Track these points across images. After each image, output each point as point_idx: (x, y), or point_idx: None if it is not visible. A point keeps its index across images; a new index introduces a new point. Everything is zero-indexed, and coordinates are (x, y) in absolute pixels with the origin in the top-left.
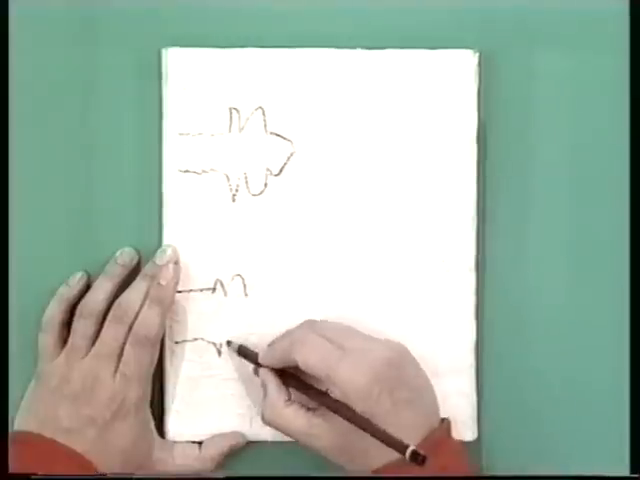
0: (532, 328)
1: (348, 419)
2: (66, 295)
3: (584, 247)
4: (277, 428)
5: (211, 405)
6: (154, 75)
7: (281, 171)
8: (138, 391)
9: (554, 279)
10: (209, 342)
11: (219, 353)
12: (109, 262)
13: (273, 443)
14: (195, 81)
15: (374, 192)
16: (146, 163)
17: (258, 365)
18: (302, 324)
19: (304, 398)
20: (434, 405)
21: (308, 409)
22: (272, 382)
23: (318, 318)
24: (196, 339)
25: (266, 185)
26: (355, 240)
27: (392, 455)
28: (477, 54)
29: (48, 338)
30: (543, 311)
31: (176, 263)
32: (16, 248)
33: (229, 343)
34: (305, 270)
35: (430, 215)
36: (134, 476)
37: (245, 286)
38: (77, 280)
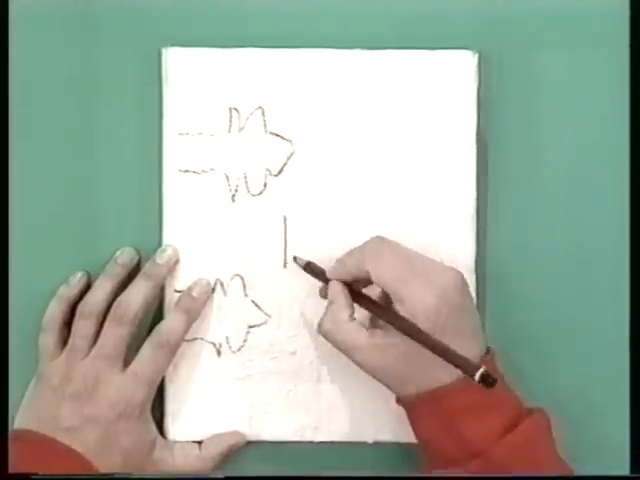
0: (533, 328)
1: (413, 336)
2: (66, 295)
3: (584, 247)
4: (334, 341)
5: (211, 405)
6: (154, 75)
7: (281, 171)
8: (146, 393)
9: (554, 279)
10: (209, 342)
11: (219, 353)
12: (109, 262)
13: (273, 443)
14: (195, 81)
15: (374, 192)
16: (146, 163)
17: (325, 282)
18: (374, 238)
19: (365, 317)
20: (484, 339)
21: (369, 328)
22: (341, 296)
23: (317, 318)
24: (196, 339)
25: (266, 185)
26: (355, 240)
27: (446, 379)
28: (477, 55)
29: (49, 338)
30: (543, 311)
31: (176, 263)
32: (16, 248)
33: (295, 258)
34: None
35: (430, 215)
36: (134, 476)
37: (245, 286)
38: (77, 280)
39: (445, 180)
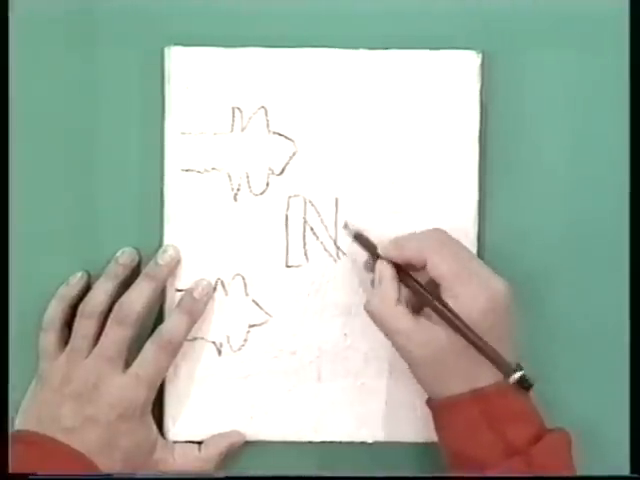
0: (534, 327)
1: (459, 329)
2: (66, 295)
3: (584, 245)
4: (379, 321)
5: (211, 405)
6: (157, 74)
7: (283, 171)
8: (147, 393)
9: (555, 278)
10: (209, 341)
11: (219, 353)
12: (110, 262)
13: (273, 443)
14: (198, 80)
15: (376, 191)
16: (148, 162)
17: (375, 257)
18: (435, 230)
19: (408, 300)
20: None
21: (414, 314)
22: (389, 276)
23: (319, 320)
24: (196, 338)
25: (268, 185)
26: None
27: (487, 380)
28: (480, 55)
29: (49, 338)
30: (545, 310)
31: (177, 262)
32: (16, 248)
33: (346, 226)
34: (306, 270)
35: (432, 214)
36: (135, 476)
37: (246, 285)
38: (77, 280)
39: (447, 179)
